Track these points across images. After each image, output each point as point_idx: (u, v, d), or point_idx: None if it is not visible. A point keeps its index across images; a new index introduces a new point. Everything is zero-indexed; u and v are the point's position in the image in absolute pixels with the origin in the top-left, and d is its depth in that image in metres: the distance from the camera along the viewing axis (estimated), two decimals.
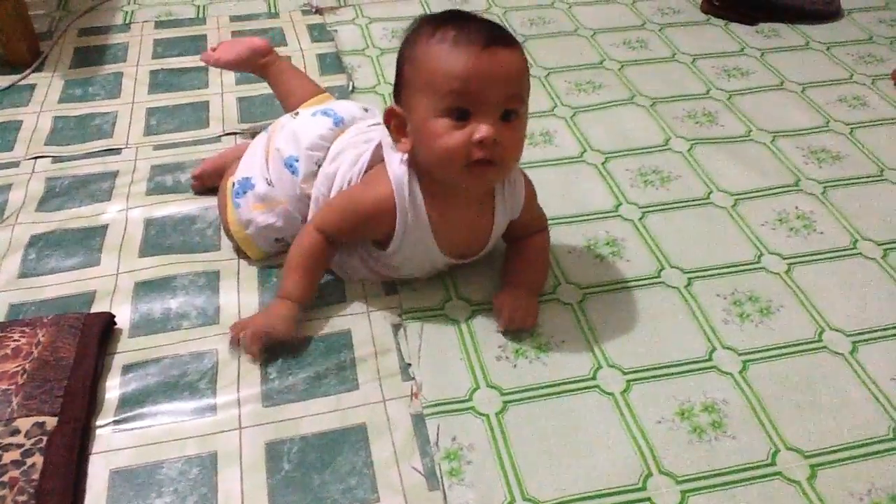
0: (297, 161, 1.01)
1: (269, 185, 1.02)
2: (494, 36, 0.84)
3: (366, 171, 0.96)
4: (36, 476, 0.76)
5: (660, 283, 1.04)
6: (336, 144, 1.01)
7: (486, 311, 0.98)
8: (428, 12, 1.69)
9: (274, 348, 0.93)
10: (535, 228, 1.03)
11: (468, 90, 0.82)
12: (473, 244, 0.99)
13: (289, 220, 1.02)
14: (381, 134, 0.96)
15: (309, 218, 1.01)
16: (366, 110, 1.09)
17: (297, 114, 1.09)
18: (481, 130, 0.83)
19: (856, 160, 1.30)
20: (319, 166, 1.00)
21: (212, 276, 1.03)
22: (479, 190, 0.93)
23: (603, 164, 1.26)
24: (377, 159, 0.96)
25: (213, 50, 1.29)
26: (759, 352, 0.95)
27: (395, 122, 0.90)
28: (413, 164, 0.91)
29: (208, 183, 1.16)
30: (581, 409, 0.87)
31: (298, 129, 1.03)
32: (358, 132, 1.02)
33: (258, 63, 1.26)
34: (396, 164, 0.92)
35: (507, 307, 0.96)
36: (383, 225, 0.93)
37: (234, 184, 1.05)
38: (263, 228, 1.02)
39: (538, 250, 1.03)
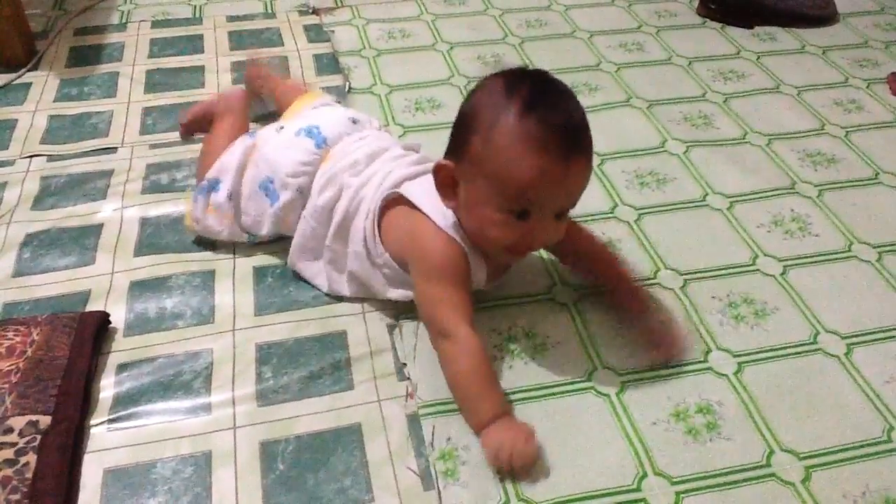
0: (272, 183, 1.01)
1: (229, 198, 1.03)
2: (578, 142, 0.81)
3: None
4: (29, 475, 0.76)
5: (656, 284, 1.04)
6: (322, 172, 0.99)
7: (480, 311, 0.98)
8: (424, 13, 1.70)
9: (270, 349, 0.93)
10: (580, 238, 1.01)
11: (536, 200, 0.82)
12: (504, 270, 0.99)
13: (233, 234, 1.05)
14: (376, 171, 0.96)
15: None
16: (354, 122, 1.06)
17: (282, 128, 1.06)
18: (538, 236, 0.85)
19: (851, 163, 1.30)
20: (301, 192, 0.99)
21: (207, 276, 1.03)
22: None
23: (599, 165, 1.26)
24: (385, 201, 0.94)
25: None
26: (754, 354, 0.95)
27: (445, 178, 0.87)
28: (456, 215, 0.90)
29: (195, 129, 1.22)
30: (576, 410, 0.87)
31: (279, 153, 1.01)
32: (344, 155, 0.99)
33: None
34: (441, 217, 0.89)
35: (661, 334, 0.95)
36: (468, 267, 0.91)
37: (206, 180, 1.05)
38: (207, 229, 1.06)
39: (593, 245, 1.02)
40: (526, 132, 0.79)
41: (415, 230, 0.90)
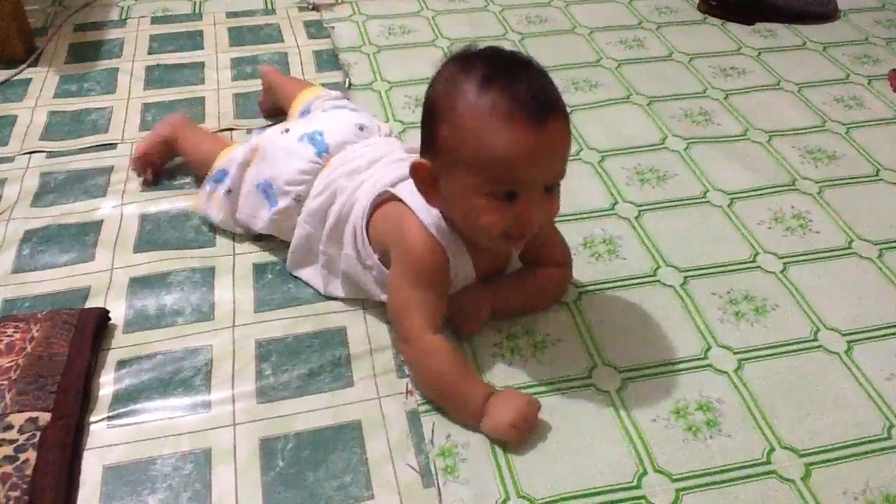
0: (271, 187, 1.01)
1: (227, 194, 1.06)
2: (548, 105, 0.78)
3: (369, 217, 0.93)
4: (29, 472, 0.76)
5: (656, 281, 1.04)
6: (320, 179, 0.98)
7: None
8: (425, 10, 1.70)
9: (269, 346, 0.93)
10: (552, 254, 0.98)
11: (519, 176, 0.78)
12: (499, 264, 0.97)
13: (227, 225, 1.08)
14: (373, 174, 0.95)
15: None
16: (361, 129, 1.04)
17: (287, 130, 1.05)
18: (528, 214, 0.80)
19: (852, 160, 1.30)
20: (298, 200, 0.99)
21: (207, 273, 1.03)
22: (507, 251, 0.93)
23: (599, 162, 1.26)
24: (377, 201, 0.92)
25: None
26: (754, 351, 0.95)
27: (424, 177, 0.84)
28: (443, 212, 0.88)
29: (152, 163, 1.18)
30: (576, 406, 0.87)
31: (280, 158, 1.01)
32: (345, 162, 0.98)
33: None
34: (426, 214, 0.87)
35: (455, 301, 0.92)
36: (448, 270, 0.89)
37: (216, 170, 1.08)
38: (208, 214, 1.09)
39: (545, 283, 0.98)
40: (491, 105, 0.77)
41: (401, 224, 0.89)
